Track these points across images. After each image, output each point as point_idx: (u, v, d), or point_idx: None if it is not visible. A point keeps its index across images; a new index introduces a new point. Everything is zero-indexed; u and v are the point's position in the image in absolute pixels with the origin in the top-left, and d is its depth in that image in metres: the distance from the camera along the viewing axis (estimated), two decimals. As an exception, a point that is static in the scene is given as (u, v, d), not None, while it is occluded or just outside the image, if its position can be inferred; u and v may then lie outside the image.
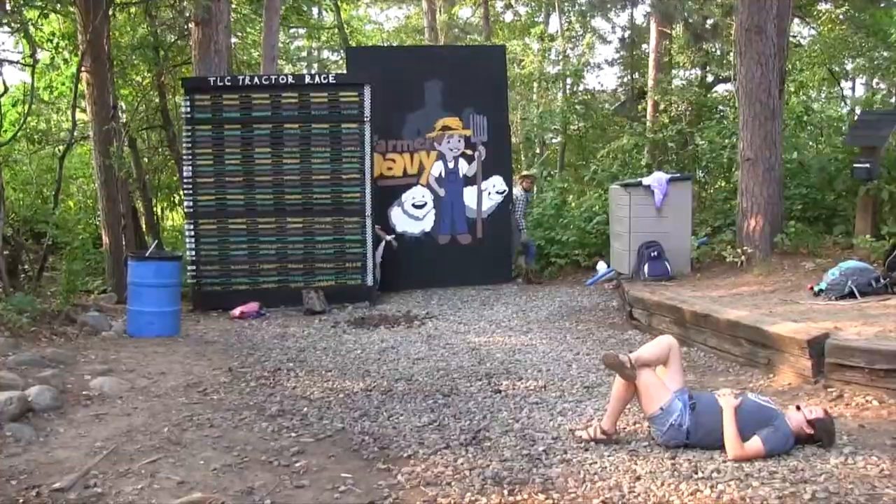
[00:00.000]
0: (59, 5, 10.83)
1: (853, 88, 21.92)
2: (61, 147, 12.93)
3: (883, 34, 15.06)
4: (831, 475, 3.75)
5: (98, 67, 10.46)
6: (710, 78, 20.17)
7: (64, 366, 6.19)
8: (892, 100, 13.61)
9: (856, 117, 11.97)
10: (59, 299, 8.61)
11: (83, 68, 10.49)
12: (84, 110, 12.38)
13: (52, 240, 9.79)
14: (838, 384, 5.23)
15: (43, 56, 13.46)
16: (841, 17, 17.09)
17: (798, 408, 4.25)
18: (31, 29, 10.89)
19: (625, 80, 22.91)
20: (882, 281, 7.07)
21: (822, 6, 18.70)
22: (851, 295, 6.96)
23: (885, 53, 15.39)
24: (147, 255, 8.57)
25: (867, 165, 9.07)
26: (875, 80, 18.33)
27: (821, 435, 4.12)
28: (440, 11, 24.18)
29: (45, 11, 10.66)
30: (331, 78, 10.41)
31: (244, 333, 8.30)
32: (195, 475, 4.02)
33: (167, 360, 6.75)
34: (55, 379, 5.58)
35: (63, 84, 13.81)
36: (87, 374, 6.02)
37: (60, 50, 12.71)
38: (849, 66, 18.80)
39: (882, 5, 16.02)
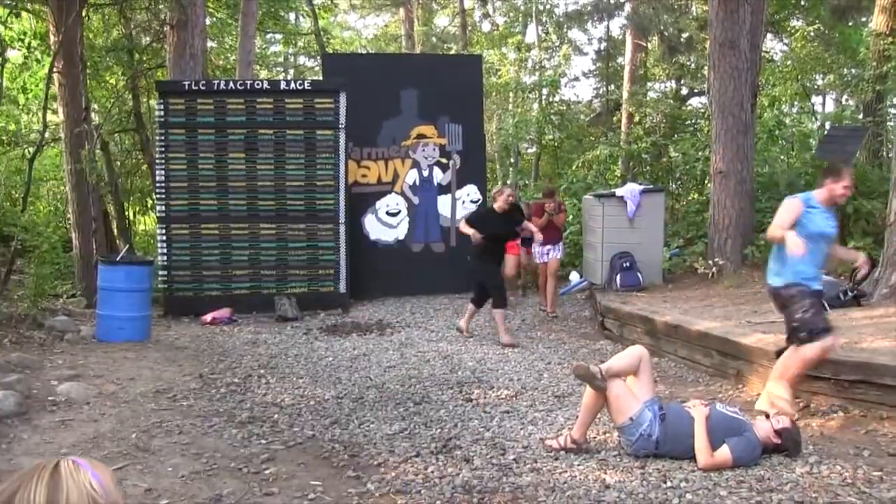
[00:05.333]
0: (30, 4, 10.69)
1: (824, 104, 22.30)
2: (31, 149, 12.76)
3: (852, 51, 15.35)
4: (796, 484, 3.80)
5: (70, 69, 10.33)
6: (684, 91, 20.44)
7: (30, 371, 6.10)
8: (861, 116, 13.85)
9: (825, 132, 12.17)
10: (27, 303, 8.49)
11: (55, 69, 10.36)
12: (56, 112, 12.24)
13: (20, 243, 9.62)
14: (805, 394, 5.29)
15: (15, 56, 13.30)
16: (812, 33, 17.40)
17: (767, 416, 4.30)
18: (1, 27, 10.75)
19: (600, 91, 23.13)
20: (849, 294, 7.18)
21: (794, 22, 19.02)
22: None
23: (854, 70, 15.67)
24: (118, 259, 8.47)
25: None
26: (844, 97, 18.67)
27: (787, 444, 4.17)
28: (418, 20, 24.26)
29: (16, 11, 10.49)
30: (306, 84, 10.42)
31: (215, 339, 8.23)
32: (163, 482, 3.98)
33: (136, 366, 6.67)
34: (20, 384, 5.49)
35: (36, 85, 13.64)
36: (53, 379, 5.93)
37: (33, 50, 12.54)
38: (820, 82, 19.12)
39: (850, 24, 16.31)
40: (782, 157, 13.62)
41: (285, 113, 10.03)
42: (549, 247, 9.44)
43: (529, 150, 20.29)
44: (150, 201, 16.79)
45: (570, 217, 12.53)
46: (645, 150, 14.80)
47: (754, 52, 10.29)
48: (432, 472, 4.13)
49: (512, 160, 19.43)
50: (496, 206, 7.96)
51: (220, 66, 17.51)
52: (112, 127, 15.07)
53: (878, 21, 13.29)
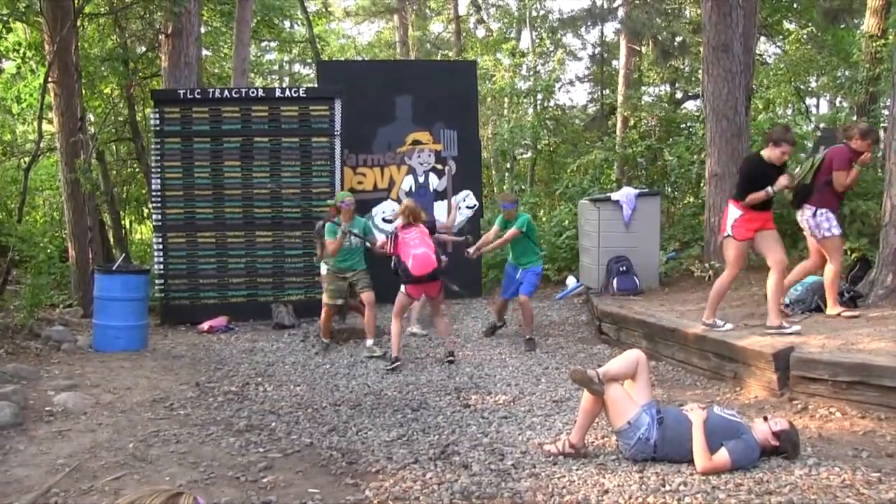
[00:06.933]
0: (24, 15, 10.68)
1: (818, 106, 22.38)
2: (27, 158, 12.74)
3: (845, 53, 15.40)
4: (795, 486, 3.80)
5: (66, 78, 10.32)
6: (679, 94, 20.47)
7: (26, 381, 6.08)
8: (854, 117, 13.90)
9: (819, 134, 12.20)
10: (23, 313, 8.46)
11: (50, 79, 10.35)
12: (51, 121, 12.22)
13: (16, 253, 9.60)
14: (803, 396, 5.30)
15: (9, 66, 13.28)
16: (805, 36, 17.46)
17: (765, 419, 4.30)
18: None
19: (595, 95, 23.18)
20: (846, 295, 7.18)
21: (787, 25, 19.10)
22: (818, 309, 7.06)
23: (847, 72, 15.74)
24: (114, 268, 8.46)
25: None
26: (838, 99, 18.75)
27: (786, 447, 4.17)
28: (412, 26, 24.31)
29: (9, 25, 10.48)
30: (301, 91, 10.40)
31: (212, 348, 8.22)
32: (160, 492, 3.96)
33: (133, 375, 6.66)
34: (16, 395, 5.48)
35: (31, 95, 13.63)
36: (50, 389, 5.92)
37: (27, 60, 12.54)
38: (813, 84, 19.20)
39: (843, 26, 16.38)
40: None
41: (280, 120, 10.03)
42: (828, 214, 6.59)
43: (525, 156, 20.32)
44: (146, 210, 16.77)
45: (567, 222, 12.50)
46: (640, 153, 14.82)
47: (748, 56, 10.33)
48: (430, 478, 4.12)
49: (507, 165, 19.46)
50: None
51: (215, 74, 17.52)
52: (107, 136, 15.06)
53: (869, 23, 13.37)
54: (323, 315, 8.12)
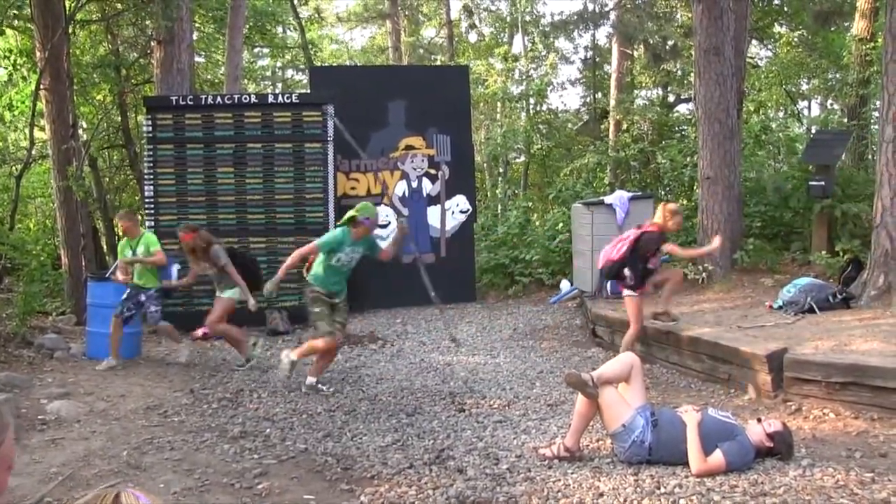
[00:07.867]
0: (15, 21, 10.66)
1: (809, 108, 22.46)
2: (19, 166, 12.71)
3: (835, 56, 15.48)
4: (790, 487, 3.81)
5: (57, 85, 10.30)
6: (671, 97, 20.53)
7: (19, 390, 6.05)
8: (846, 120, 13.97)
9: (811, 136, 12.26)
10: (16, 321, 8.42)
11: (42, 86, 10.33)
12: (43, 129, 12.20)
13: (9, 261, 9.57)
14: (797, 398, 5.32)
15: (0, 73, 13.25)
16: (796, 39, 17.55)
17: (759, 420, 4.32)
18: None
19: (587, 99, 23.21)
20: (839, 297, 7.21)
21: (778, 28, 19.18)
22: (811, 311, 7.09)
23: (837, 75, 15.81)
24: (107, 275, 8.43)
25: (822, 183, 9.29)
26: (829, 101, 18.83)
27: (780, 448, 4.19)
28: (405, 32, 24.34)
29: (1, 28, 10.46)
30: (294, 97, 10.41)
31: (206, 354, 8.21)
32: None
33: (127, 383, 6.64)
34: (8, 403, 5.45)
35: (22, 102, 13.61)
36: (43, 397, 5.89)
37: (18, 67, 12.51)
38: (805, 87, 19.28)
39: (833, 29, 16.47)
40: (769, 161, 13.70)
41: (273, 126, 10.02)
42: None
43: (518, 160, 20.33)
44: (139, 217, 16.73)
45: (560, 226, 12.50)
46: (633, 157, 14.85)
47: (739, 59, 10.36)
48: (426, 483, 4.12)
49: (500, 170, 19.47)
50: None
51: (207, 80, 17.51)
52: (100, 143, 15.03)
53: (859, 26, 13.45)
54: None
